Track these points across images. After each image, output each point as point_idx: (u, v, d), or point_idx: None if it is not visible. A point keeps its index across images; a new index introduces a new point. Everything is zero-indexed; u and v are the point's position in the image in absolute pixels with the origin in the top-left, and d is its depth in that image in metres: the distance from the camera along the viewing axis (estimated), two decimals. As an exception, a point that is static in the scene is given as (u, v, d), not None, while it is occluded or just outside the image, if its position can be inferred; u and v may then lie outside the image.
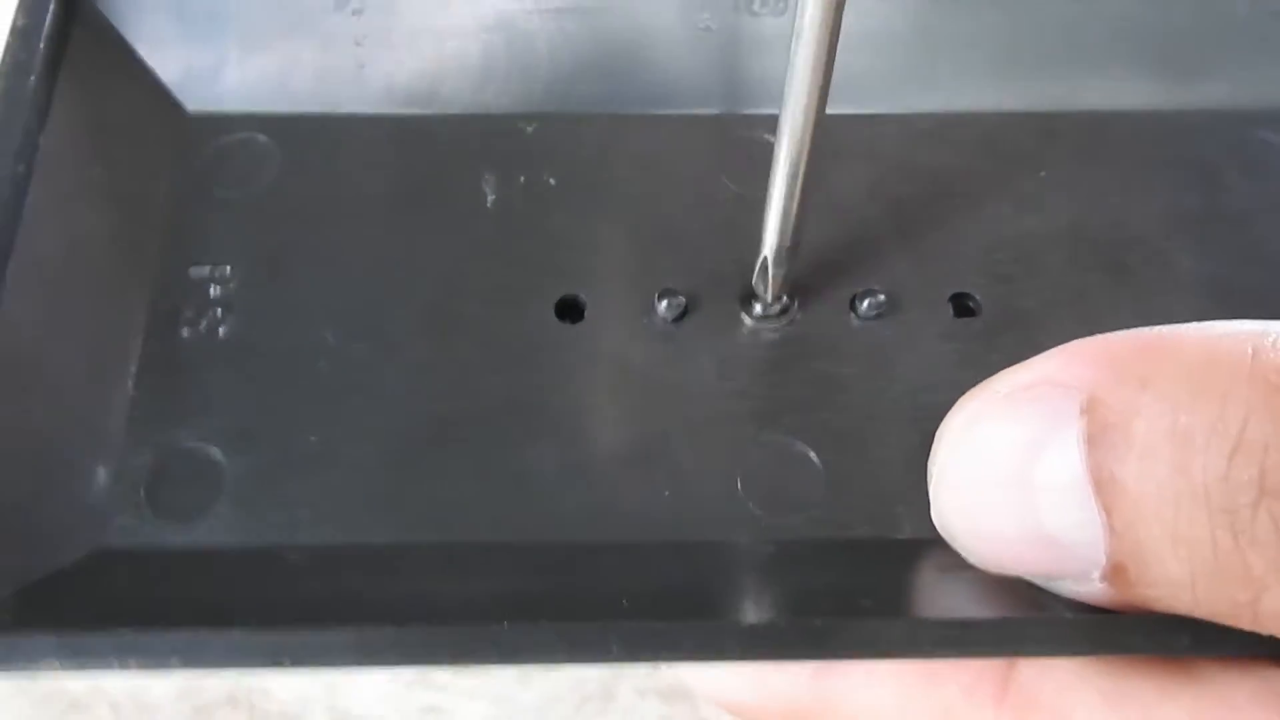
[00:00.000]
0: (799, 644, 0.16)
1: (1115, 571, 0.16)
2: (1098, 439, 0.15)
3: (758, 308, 0.21)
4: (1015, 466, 0.16)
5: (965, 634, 0.16)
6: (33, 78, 0.20)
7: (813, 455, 0.20)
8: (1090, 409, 0.15)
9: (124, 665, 0.16)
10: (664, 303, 0.21)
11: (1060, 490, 0.15)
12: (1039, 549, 0.16)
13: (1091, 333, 0.21)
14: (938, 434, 0.17)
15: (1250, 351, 0.14)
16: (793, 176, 0.18)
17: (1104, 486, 0.15)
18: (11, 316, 0.19)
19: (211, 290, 0.21)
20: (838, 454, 0.20)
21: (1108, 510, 0.15)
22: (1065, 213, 0.22)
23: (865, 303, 0.21)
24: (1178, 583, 0.15)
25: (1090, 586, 0.16)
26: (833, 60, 0.16)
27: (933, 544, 0.18)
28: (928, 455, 0.18)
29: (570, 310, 0.21)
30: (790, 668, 0.19)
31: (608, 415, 0.20)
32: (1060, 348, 0.16)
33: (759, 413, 0.20)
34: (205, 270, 0.21)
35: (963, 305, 0.21)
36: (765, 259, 0.20)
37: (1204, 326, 0.15)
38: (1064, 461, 0.15)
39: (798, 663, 0.18)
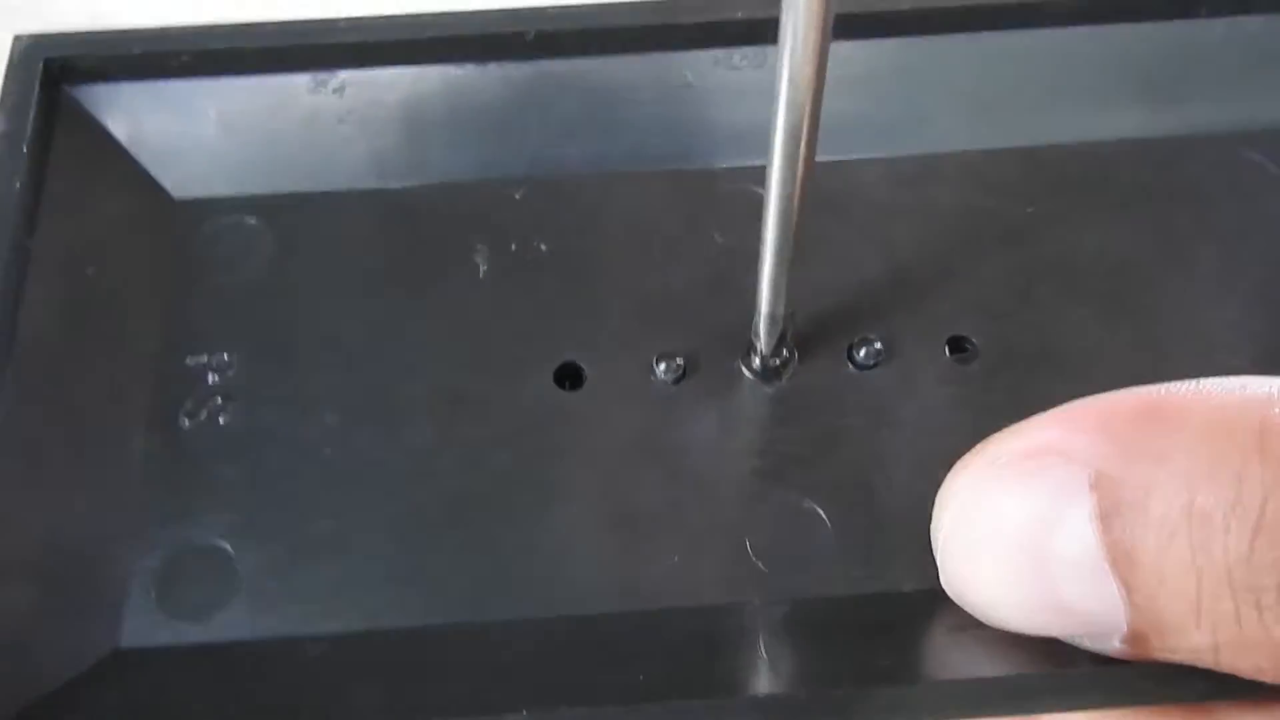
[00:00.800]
0: (820, 714, 0.16)
1: (1135, 637, 0.16)
2: (1112, 516, 0.15)
3: (756, 362, 0.21)
4: (1028, 540, 0.16)
5: (985, 693, 0.16)
6: (19, 182, 0.20)
7: (820, 511, 0.20)
8: (1100, 484, 0.15)
9: None
10: (662, 365, 0.21)
11: (1077, 565, 0.15)
12: (1057, 616, 0.16)
13: (1090, 369, 0.21)
14: (939, 499, 0.18)
15: (1259, 425, 0.14)
16: (785, 229, 0.18)
17: (1122, 562, 0.15)
18: (12, 420, 0.19)
19: (210, 378, 0.21)
20: (844, 508, 0.20)
21: (1128, 585, 0.15)
22: (1055, 245, 0.22)
23: (862, 351, 0.21)
24: (1200, 649, 0.15)
25: (1110, 645, 0.16)
26: (818, 113, 0.16)
27: (942, 597, 0.18)
28: (932, 506, 0.18)
29: (570, 377, 0.21)
30: None
31: (614, 482, 0.20)
32: (1056, 412, 0.16)
33: (764, 470, 0.20)
34: (203, 359, 0.21)
35: (959, 346, 0.21)
36: (762, 314, 0.20)
37: (1206, 391, 0.15)
38: (1079, 537, 0.15)
39: None
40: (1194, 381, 0.15)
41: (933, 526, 0.18)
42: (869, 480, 0.20)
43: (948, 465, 0.18)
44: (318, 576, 0.19)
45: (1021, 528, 0.16)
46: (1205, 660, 0.15)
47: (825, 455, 0.20)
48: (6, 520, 0.18)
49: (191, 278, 0.22)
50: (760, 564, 0.19)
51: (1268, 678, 0.15)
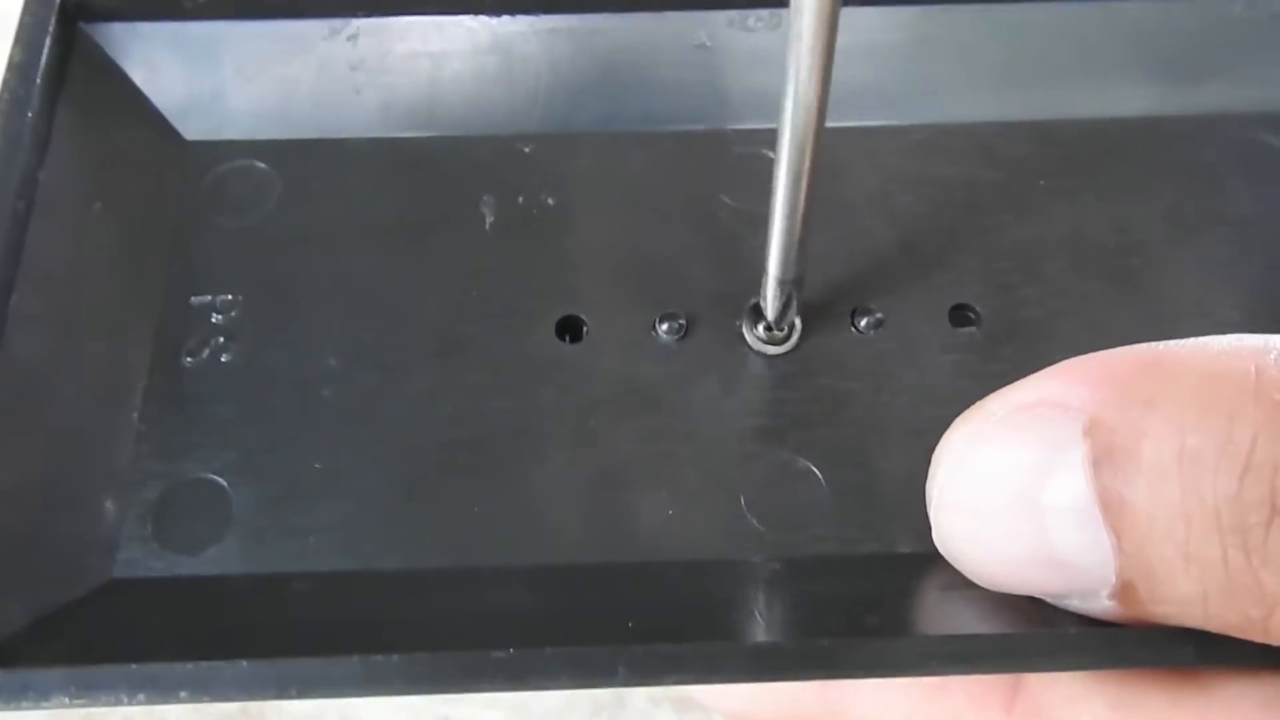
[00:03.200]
0: (807, 664, 0.16)
1: (1125, 590, 0.16)
2: (1104, 461, 0.15)
3: (760, 325, 0.21)
4: (1020, 490, 0.16)
5: (971, 650, 0.16)
6: (30, 113, 0.20)
7: (816, 471, 0.20)
8: (1093, 431, 0.15)
9: (133, 699, 0.16)
10: (665, 325, 0.21)
11: (1068, 513, 0.15)
12: (1047, 570, 0.16)
13: (1094, 342, 0.21)
14: (935, 456, 0.17)
15: (1254, 370, 0.14)
16: (794, 194, 0.18)
17: (1112, 508, 0.15)
18: (15, 351, 0.19)
19: (214, 318, 0.21)
20: (841, 470, 0.20)
21: (1117, 532, 0.15)
22: (1065, 220, 0.22)
23: (865, 318, 0.21)
24: (1189, 600, 0.15)
25: (1098, 604, 0.16)
26: (829, 74, 0.16)
27: (935, 559, 0.18)
28: (928, 470, 0.18)
29: (571, 330, 0.21)
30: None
31: (611, 436, 0.20)
32: (1055, 367, 0.16)
33: (763, 430, 0.20)
34: (207, 299, 0.21)
35: (962, 316, 0.21)
36: (769, 278, 0.20)
37: (1203, 344, 0.15)
38: (1071, 485, 0.15)
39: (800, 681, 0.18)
40: (1191, 340, 0.15)
41: (928, 483, 0.18)
42: (868, 444, 0.20)
43: (944, 432, 0.18)
44: (310, 515, 0.19)
45: (1015, 477, 0.16)
46: (1194, 615, 0.15)
47: (826, 418, 0.20)
48: (6, 444, 0.18)
49: (199, 219, 0.22)
50: (755, 521, 0.19)
51: (1257, 631, 0.15)
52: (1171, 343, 0.16)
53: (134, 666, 0.16)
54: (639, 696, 0.42)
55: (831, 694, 0.20)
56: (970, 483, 0.17)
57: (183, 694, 0.16)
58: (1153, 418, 0.15)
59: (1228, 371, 0.14)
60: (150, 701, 0.16)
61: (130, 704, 0.16)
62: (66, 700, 0.16)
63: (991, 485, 0.17)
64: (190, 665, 0.16)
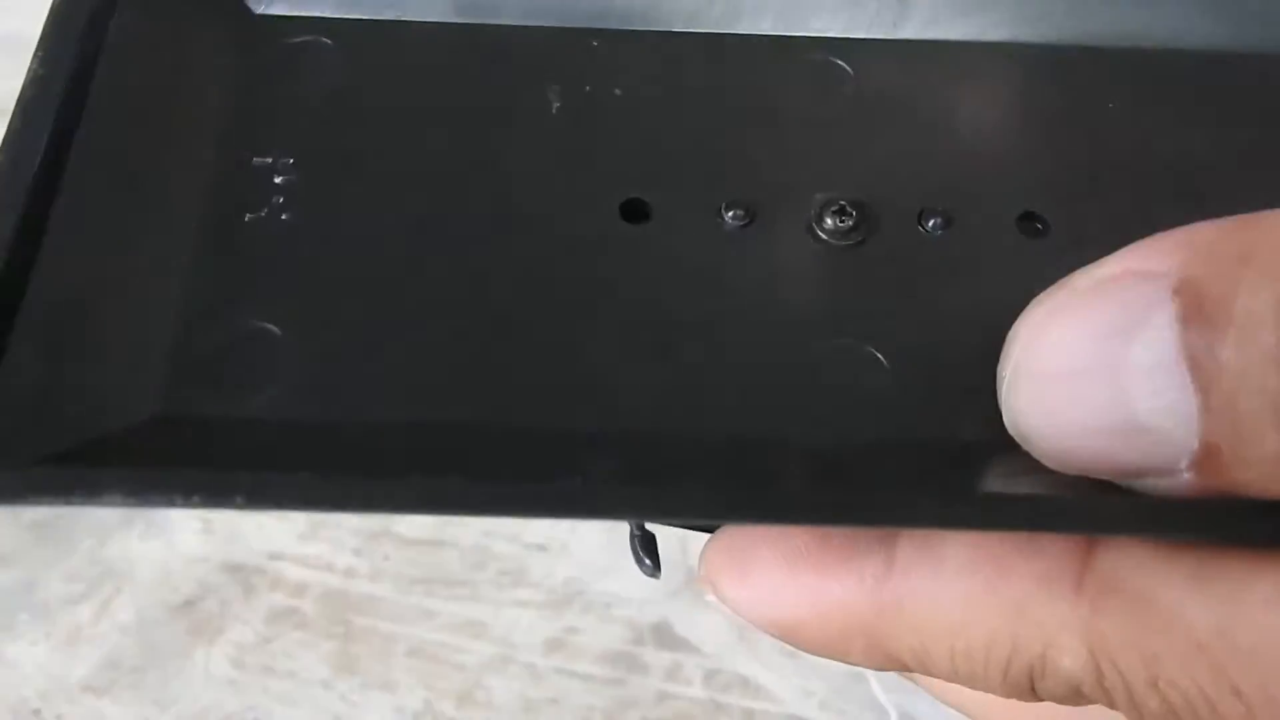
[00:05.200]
0: (868, 513, 0.16)
1: (1207, 456, 0.15)
2: (1192, 317, 0.15)
3: (828, 220, 0.21)
4: (1102, 355, 0.16)
5: (1041, 509, 0.16)
6: None
7: (880, 357, 0.20)
8: (1182, 290, 0.15)
9: (188, 500, 0.15)
10: (731, 212, 0.21)
11: (1152, 374, 0.15)
12: (1126, 440, 0.16)
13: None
14: (1010, 334, 0.17)
15: None
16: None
17: (1200, 365, 0.15)
18: (78, 181, 0.19)
19: (275, 179, 0.21)
20: (905, 358, 0.20)
21: (1204, 390, 0.15)
22: (1133, 144, 0.22)
23: (932, 219, 0.21)
24: (1276, 458, 0.15)
25: (1176, 480, 0.16)
26: None
27: (1002, 447, 0.18)
28: (996, 362, 0.18)
29: (636, 212, 0.21)
30: (850, 577, 0.18)
31: (673, 313, 0.20)
32: (1143, 240, 0.16)
33: (824, 317, 0.20)
34: (268, 161, 0.21)
35: (1030, 225, 0.21)
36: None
37: None
38: (1157, 344, 0.15)
39: (857, 528, 0.18)
40: None
41: (1000, 363, 0.18)
42: (933, 335, 0.20)
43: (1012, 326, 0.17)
44: (364, 369, 0.19)
45: (1097, 342, 0.16)
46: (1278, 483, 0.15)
47: (889, 310, 0.20)
48: (65, 272, 0.18)
49: (263, 90, 0.22)
50: (813, 400, 0.19)
51: None
52: (1265, 212, 0.15)
53: (191, 469, 0.16)
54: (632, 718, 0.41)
55: (883, 589, 0.19)
56: (1049, 351, 0.17)
57: (239, 499, 0.15)
58: (1247, 271, 0.15)
59: None
60: (206, 505, 0.15)
61: (185, 506, 0.15)
62: (119, 499, 0.15)
63: (1072, 352, 0.16)
64: (249, 472, 0.15)
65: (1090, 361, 0.16)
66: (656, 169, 0.21)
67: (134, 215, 0.19)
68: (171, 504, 0.15)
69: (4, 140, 0.18)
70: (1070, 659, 0.17)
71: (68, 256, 0.18)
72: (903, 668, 0.19)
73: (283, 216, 0.20)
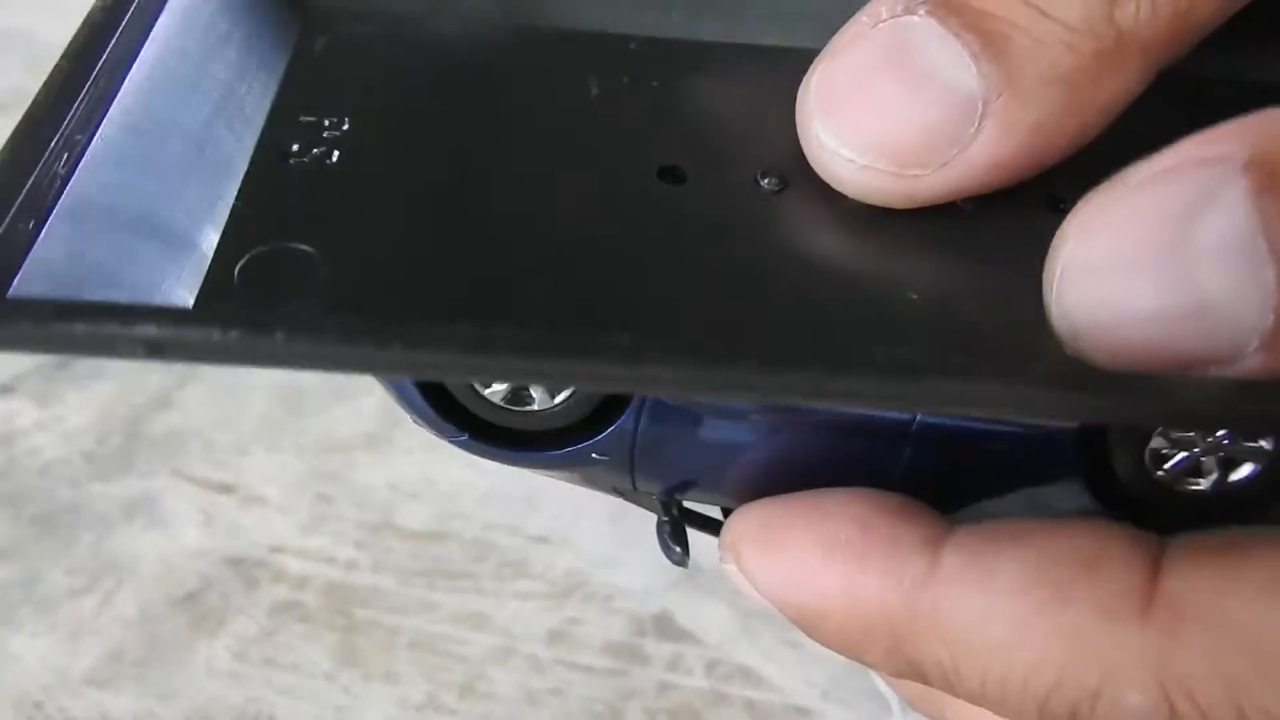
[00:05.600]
0: (920, 392, 0.16)
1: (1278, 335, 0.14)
2: (1268, 190, 0.14)
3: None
4: (1165, 237, 0.15)
5: (1105, 381, 0.15)
6: None
7: (914, 296, 0.20)
8: (1252, 166, 0.14)
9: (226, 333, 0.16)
10: (767, 180, 0.22)
11: (1223, 252, 0.14)
12: (1190, 323, 0.15)
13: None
14: (1057, 236, 0.16)
15: None
16: None
17: (1278, 238, 0.14)
18: (127, 103, 0.20)
19: (323, 133, 0.22)
20: (941, 300, 0.20)
21: None
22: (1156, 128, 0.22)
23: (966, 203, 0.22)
24: None
25: (1242, 363, 0.15)
26: None
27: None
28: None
29: (673, 176, 0.22)
30: (889, 575, 0.18)
31: (709, 265, 0.21)
32: (1196, 134, 0.15)
33: (864, 267, 0.21)
34: (313, 118, 0.22)
35: (1055, 205, 0.21)
36: None
37: None
38: (1228, 221, 0.14)
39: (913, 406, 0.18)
40: None
41: (1045, 269, 0.17)
42: (965, 290, 0.20)
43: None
44: (401, 299, 0.20)
45: (1158, 226, 0.15)
46: None
47: (922, 269, 0.21)
48: (101, 170, 0.19)
49: (313, 68, 0.23)
50: (854, 333, 0.19)
51: None
52: None
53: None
54: (634, 709, 0.41)
55: (922, 593, 0.18)
56: (1103, 242, 0.16)
57: (279, 336, 0.16)
58: None
59: None
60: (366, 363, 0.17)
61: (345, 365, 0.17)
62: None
63: (1129, 240, 0.15)
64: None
65: (1150, 247, 0.15)
66: (695, 139, 0.23)
67: (182, 144, 0.20)
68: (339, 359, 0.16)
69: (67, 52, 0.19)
70: (1138, 694, 0.15)
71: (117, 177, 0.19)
72: (920, 678, 0.18)
73: (327, 161, 0.21)
